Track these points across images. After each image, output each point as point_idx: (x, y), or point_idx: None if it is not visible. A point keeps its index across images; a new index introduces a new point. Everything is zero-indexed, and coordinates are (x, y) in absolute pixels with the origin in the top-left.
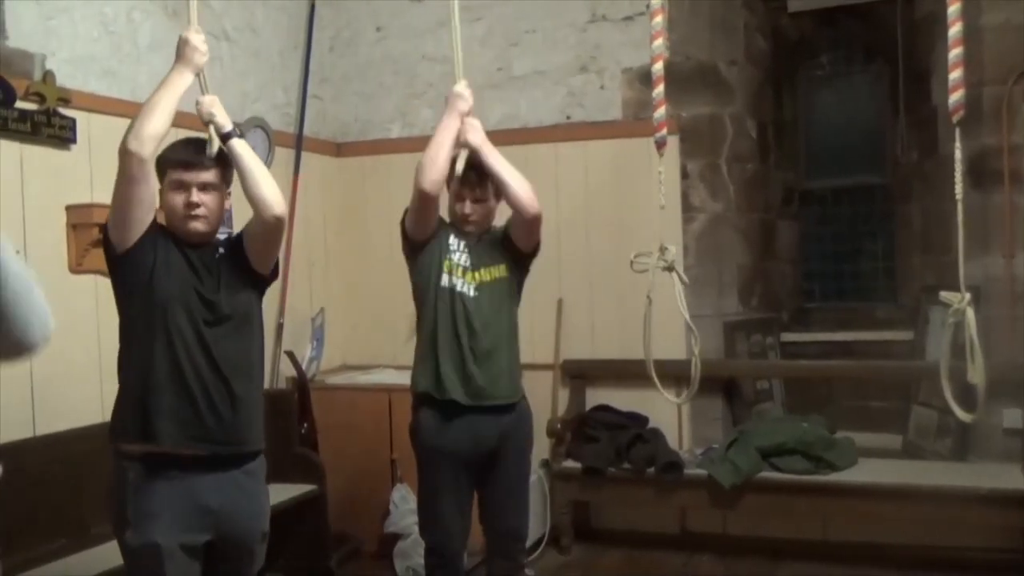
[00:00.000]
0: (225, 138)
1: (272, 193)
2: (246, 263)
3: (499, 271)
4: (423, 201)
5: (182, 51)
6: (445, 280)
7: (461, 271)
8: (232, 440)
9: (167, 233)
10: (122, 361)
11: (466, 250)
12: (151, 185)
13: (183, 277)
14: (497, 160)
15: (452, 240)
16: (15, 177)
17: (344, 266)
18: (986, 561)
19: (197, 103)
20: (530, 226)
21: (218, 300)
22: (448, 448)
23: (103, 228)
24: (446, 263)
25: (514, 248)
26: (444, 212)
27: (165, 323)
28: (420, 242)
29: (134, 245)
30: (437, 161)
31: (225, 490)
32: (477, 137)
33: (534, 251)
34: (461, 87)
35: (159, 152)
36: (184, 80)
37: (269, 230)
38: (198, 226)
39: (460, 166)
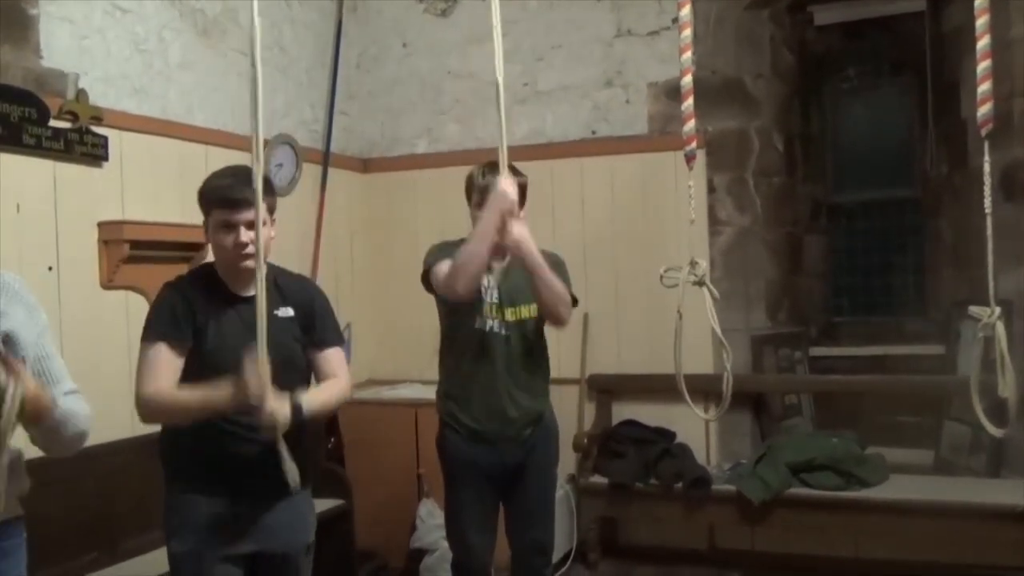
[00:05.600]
0: (297, 415)
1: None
2: (303, 338)
3: (530, 311)
4: (459, 297)
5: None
6: (478, 323)
7: (494, 310)
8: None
9: (204, 285)
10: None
11: (496, 287)
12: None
13: (232, 338)
14: (538, 264)
15: (483, 280)
16: (48, 194)
17: (370, 281)
18: None
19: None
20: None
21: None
22: (474, 462)
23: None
24: (479, 306)
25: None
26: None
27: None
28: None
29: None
30: (470, 269)
31: (273, 505)
32: (519, 237)
33: None
34: (505, 184)
35: (203, 183)
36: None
37: None
38: (249, 264)
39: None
